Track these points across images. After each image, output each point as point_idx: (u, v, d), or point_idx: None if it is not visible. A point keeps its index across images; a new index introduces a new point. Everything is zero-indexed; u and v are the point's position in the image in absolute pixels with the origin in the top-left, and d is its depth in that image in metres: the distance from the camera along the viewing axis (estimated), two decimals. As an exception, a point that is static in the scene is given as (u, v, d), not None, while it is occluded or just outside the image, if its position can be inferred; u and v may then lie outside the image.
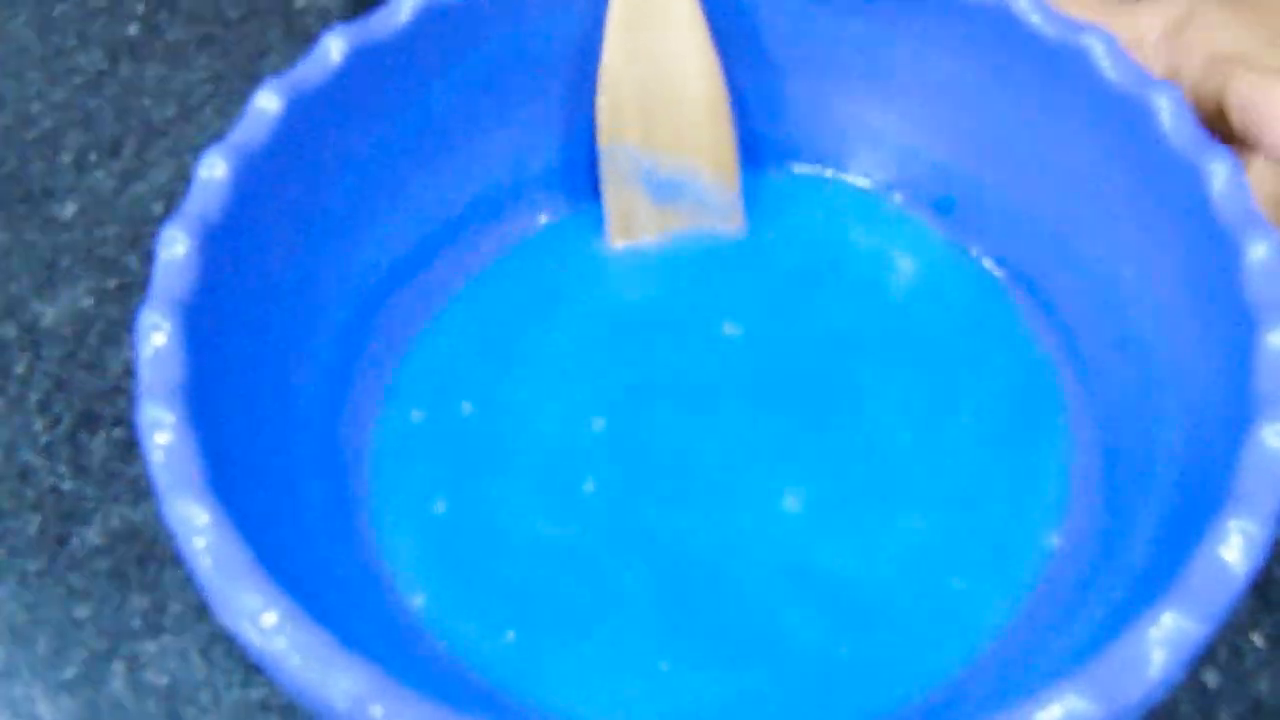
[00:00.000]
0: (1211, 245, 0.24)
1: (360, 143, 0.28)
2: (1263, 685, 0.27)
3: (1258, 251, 0.23)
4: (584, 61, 0.30)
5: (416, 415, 0.29)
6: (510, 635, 0.26)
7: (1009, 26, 0.27)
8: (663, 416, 0.29)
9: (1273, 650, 0.28)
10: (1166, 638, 0.18)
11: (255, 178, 0.25)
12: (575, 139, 0.32)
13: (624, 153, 0.30)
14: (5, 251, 0.37)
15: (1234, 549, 0.19)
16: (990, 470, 0.28)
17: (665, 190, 0.31)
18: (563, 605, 0.26)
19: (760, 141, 0.32)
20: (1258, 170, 0.27)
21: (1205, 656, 0.27)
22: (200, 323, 0.23)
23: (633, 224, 0.31)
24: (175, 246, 0.23)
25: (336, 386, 0.28)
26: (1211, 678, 0.27)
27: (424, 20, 0.28)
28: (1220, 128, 0.26)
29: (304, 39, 0.43)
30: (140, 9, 0.45)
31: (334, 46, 0.26)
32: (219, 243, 0.24)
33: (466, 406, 0.29)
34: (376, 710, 0.18)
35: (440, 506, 0.28)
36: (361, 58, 0.27)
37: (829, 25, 0.30)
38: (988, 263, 0.31)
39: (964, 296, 0.31)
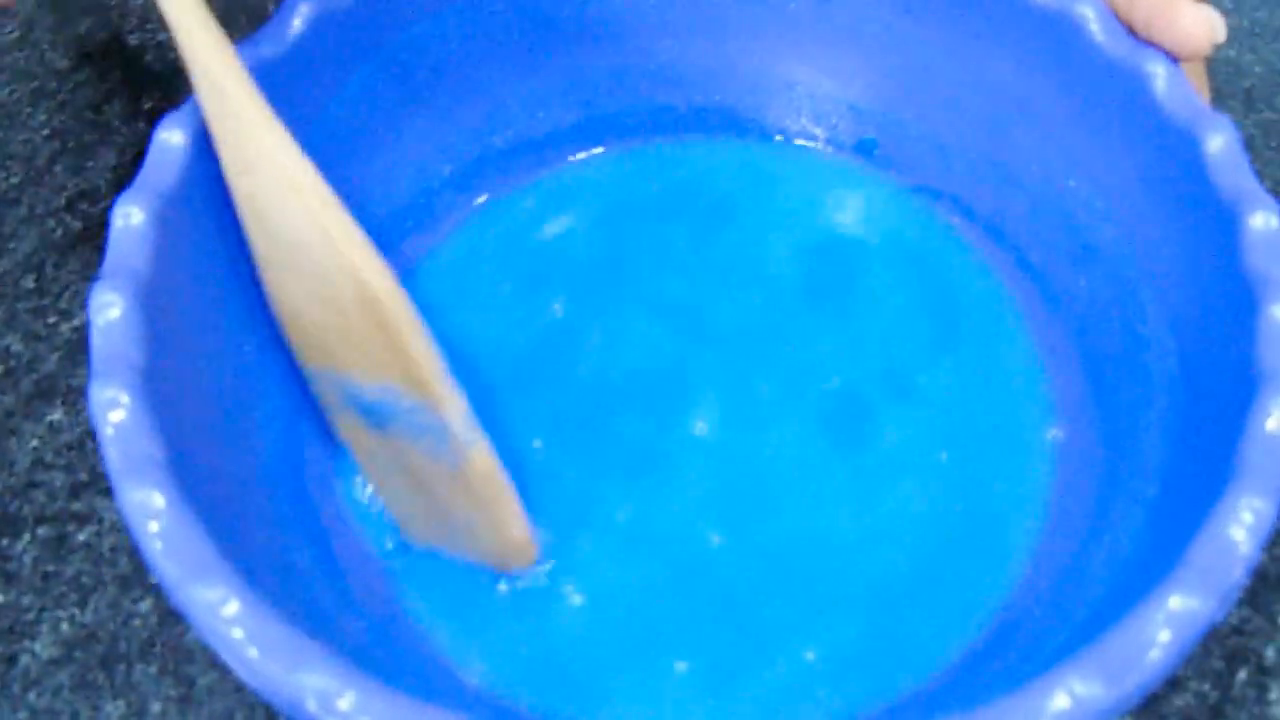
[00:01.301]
0: (1166, 144, 0.24)
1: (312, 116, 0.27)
2: (1263, 555, 0.29)
3: (1216, 143, 0.23)
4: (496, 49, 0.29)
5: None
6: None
7: None
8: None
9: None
10: (1249, 524, 0.18)
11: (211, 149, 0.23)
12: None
13: (324, 376, 0.25)
14: None
15: (1241, 528, 0.19)
16: (967, 404, 0.28)
17: (373, 413, 0.24)
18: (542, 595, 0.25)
19: (669, 110, 0.32)
20: None
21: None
22: (155, 299, 0.21)
23: (373, 466, 0.26)
24: (130, 218, 0.21)
25: (292, 367, 0.26)
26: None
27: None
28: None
29: (147, 78, 0.40)
30: (-49, 72, 0.41)
31: (294, 18, 0.25)
32: (174, 214, 0.22)
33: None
34: (344, 703, 0.16)
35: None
36: (319, 25, 0.25)
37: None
38: (923, 199, 0.31)
39: (904, 235, 0.31)
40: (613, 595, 0.25)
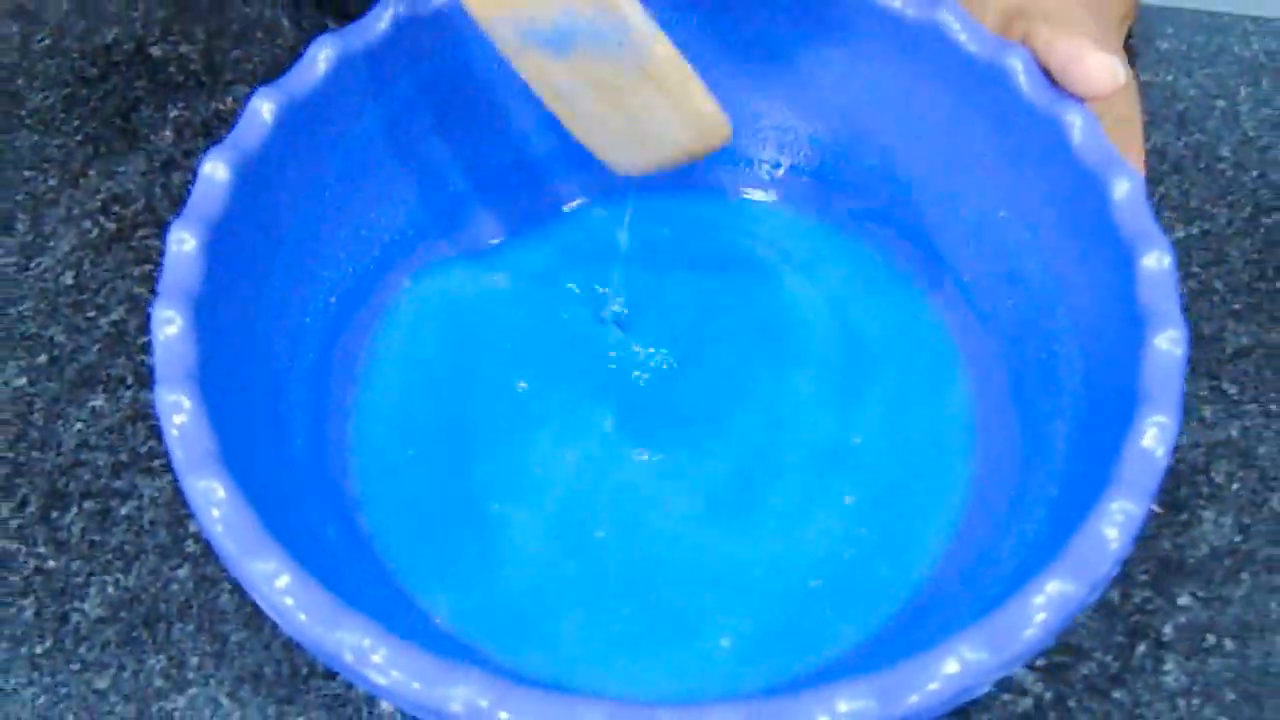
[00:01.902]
0: (1079, 186, 0.28)
1: (338, 150, 0.30)
2: (1165, 545, 0.32)
3: (1122, 188, 0.27)
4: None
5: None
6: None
7: (868, 10, 0.31)
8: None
9: (1168, 514, 0.33)
10: (1120, 523, 0.22)
11: (253, 178, 0.27)
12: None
13: (502, 23, 0.27)
14: (-83, 346, 0.37)
15: (1158, 441, 0.23)
16: (898, 407, 0.32)
17: (557, 42, 0.27)
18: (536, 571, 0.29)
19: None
20: None
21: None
22: (206, 314, 0.25)
23: (563, 104, 0.28)
24: (183, 244, 0.25)
25: (323, 368, 0.31)
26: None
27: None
28: None
29: (170, 88, 0.43)
30: (-13, 77, 0.44)
31: (321, 56, 0.28)
32: (219, 240, 0.26)
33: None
34: (376, 658, 0.20)
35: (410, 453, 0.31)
36: (344, 65, 0.29)
37: (719, 27, 0.33)
38: (873, 222, 0.35)
39: (850, 257, 0.35)
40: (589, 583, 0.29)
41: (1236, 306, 0.37)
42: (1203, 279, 0.38)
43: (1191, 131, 0.42)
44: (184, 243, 0.25)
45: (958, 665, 0.21)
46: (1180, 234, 0.39)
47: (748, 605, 0.29)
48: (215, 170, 0.26)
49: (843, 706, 0.20)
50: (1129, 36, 0.43)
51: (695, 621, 0.29)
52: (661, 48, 0.26)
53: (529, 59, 0.27)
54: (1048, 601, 0.21)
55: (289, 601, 0.20)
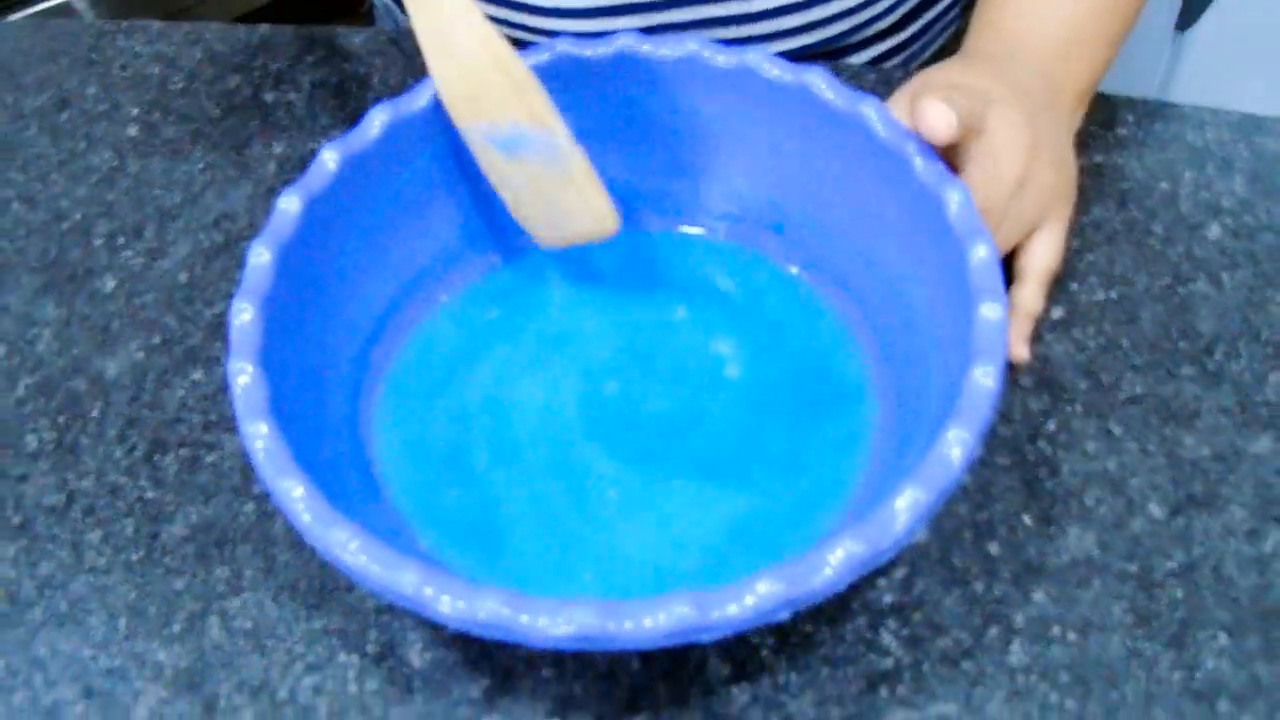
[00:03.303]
0: (949, 248, 0.35)
1: (384, 190, 0.39)
2: (1031, 551, 0.39)
3: (979, 253, 0.34)
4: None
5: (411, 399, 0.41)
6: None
7: (810, 99, 0.39)
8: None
9: (1040, 527, 0.40)
10: (908, 505, 0.29)
11: (317, 210, 0.36)
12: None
13: (474, 129, 0.37)
14: (65, 322, 0.47)
15: (954, 447, 0.30)
16: (819, 388, 0.40)
17: (509, 146, 0.37)
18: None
19: (634, 196, 0.44)
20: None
21: (987, 531, 0.39)
22: (271, 308, 0.34)
23: (508, 190, 0.39)
24: (260, 256, 0.34)
25: (363, 359, 0.40)
26: (994, 548, 0.39)
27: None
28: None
29: (277, 129, 0.53)
30: (135, 111, 0.55)
31: (377, 121, 0.37)
32: (287, 255, 0.35)
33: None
34: (352, 546, 0.29)
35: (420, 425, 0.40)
36: (395, 127, 0.38)
37: (693, 104, 0.41)
38: (809, 272, 0.43)
39: (789, 300, 0.43)
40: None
41: (1137, 362, 0.44)
42: (1111, 336, 0.44)
43: (1130, 208, 0.48)
44: (260, 255, 0.34)
45: (843, 553, 0.28)
46: (1099, 297, 0.46)
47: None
48: (289, 204, 0.35)
49: (761, 588, 0.28)
50: (1088, 123, 0.49)
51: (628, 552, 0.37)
52: (579, 160, 0.37)
53: (487, 155, 0.38)
54: (908, 504, 0.29)
55: (300, 508, 0.29)
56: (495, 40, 0.36)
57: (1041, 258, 0.43)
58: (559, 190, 0.37)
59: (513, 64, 0.36)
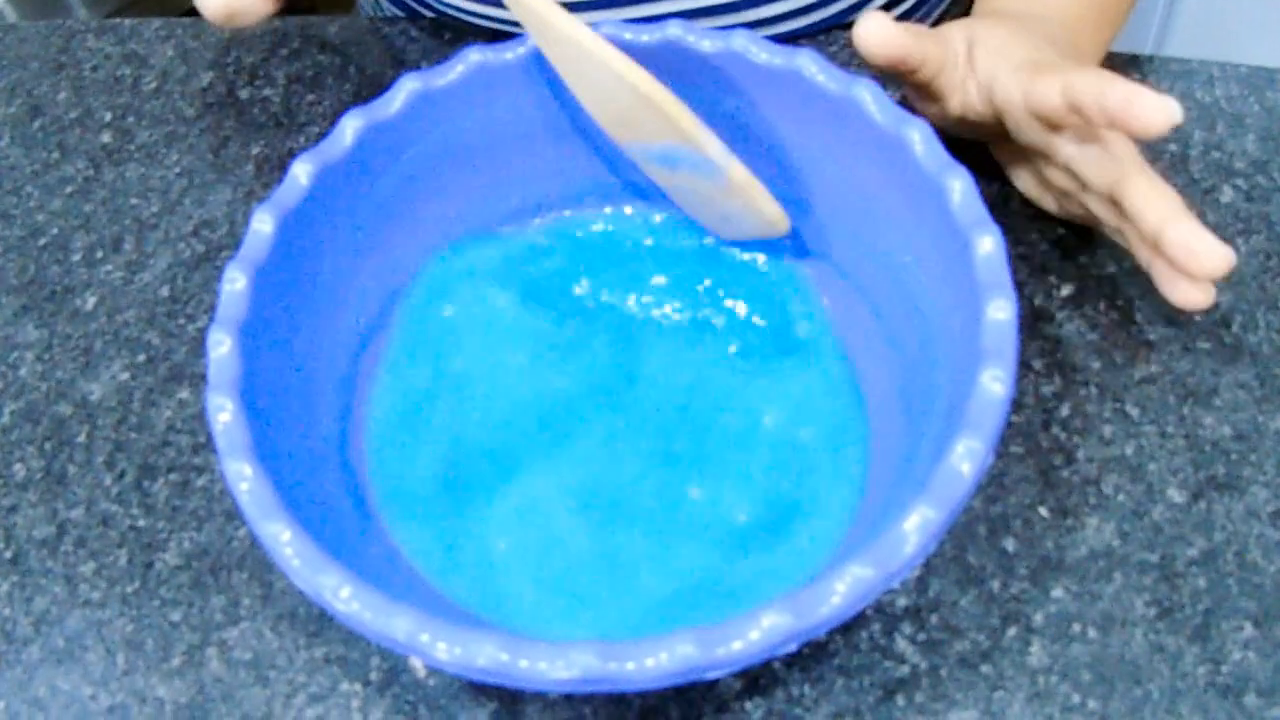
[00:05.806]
0: (954, 239, 0.34)
1: (361, 200, 0.38)
2: (1049, 545, 0.38)
3: (984, 245, 0.33)
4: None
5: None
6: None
7: (801, 84, 0.37)
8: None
9: (1056, 519, 0.38)
10: (917, 525, 0.28)
11: (292, 229, 0.35)
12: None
13: (632, 146, 0.38)
14: (47, 344, 0.46)
15: (965, 461, 0.29)
16: (820, 401, 0.39)
17: (666, 162, 0.38)
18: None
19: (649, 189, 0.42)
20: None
21: (1002, 526, 0.38)
22: (249, 337, 0.32)
23: (678, 195, 0.40)
24: (235, 283, 0.33)
25: (349, 378, 0.39)
26: (1010, 543, 0.38)
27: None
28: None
29: (254, 128, 0.52)
30: (108, 116, 0.53)
31: (349, 128, 0.36)
32: (263, 280, 0.33)
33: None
34: (344, 593, 0.28)
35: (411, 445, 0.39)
36: (368, 134, 0.36)
37: (704, 101, 0.39)
38: (809, 262, 0.41)
39: (795, 292, 0.41)
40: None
41: (1152, 337, 0.42)
42: (1126, 310, 0.43)
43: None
44: (235, 281, 0.33)
45: (851, 580, 0.27)
46: (1111, 269, 0.44)
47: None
48: (262, 224, 0.34)
49: (766, 621, 0.26)
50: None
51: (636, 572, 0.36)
52: (737, 172, 0.37)
53: (652, 169, 0.39)
54: (917, 526, 0.27)
55: (289, 553, 0.28)
56: (633, 70, 0.35)
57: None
58: (722, 198, 0.38)
59: (654, 91, 0.35)
